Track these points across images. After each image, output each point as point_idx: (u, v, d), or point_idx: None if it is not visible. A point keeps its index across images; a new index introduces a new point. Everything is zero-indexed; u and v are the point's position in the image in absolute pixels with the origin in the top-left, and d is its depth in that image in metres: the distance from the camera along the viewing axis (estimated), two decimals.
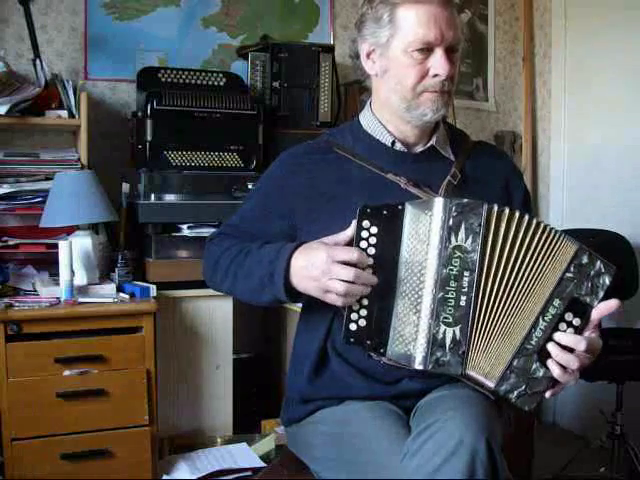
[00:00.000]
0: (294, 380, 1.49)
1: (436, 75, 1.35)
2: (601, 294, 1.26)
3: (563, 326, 1.25)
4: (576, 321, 1.25)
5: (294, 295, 1.33)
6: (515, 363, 1.25)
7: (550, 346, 1.25)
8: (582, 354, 1.24)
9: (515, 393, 1.25)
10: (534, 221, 1.27)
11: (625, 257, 2.77)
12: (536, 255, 1.26)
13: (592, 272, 1.26)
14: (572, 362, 1.23)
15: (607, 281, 1.26)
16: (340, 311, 1.32)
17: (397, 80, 1.39)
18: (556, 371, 1.24)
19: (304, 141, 1.56)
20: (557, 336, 1.25)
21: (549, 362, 1.24)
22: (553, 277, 1.26)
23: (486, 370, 1.26)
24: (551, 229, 1.27)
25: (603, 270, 1.26)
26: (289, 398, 1.52)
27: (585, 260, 1.26)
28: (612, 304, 1.26)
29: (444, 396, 1.31)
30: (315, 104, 2.62)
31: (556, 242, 1.27)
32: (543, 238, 1.27)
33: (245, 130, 2.43)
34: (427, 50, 1.35)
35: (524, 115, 3.35)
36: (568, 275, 1.25)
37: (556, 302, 1.25)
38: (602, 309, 1.26)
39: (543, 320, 1.25)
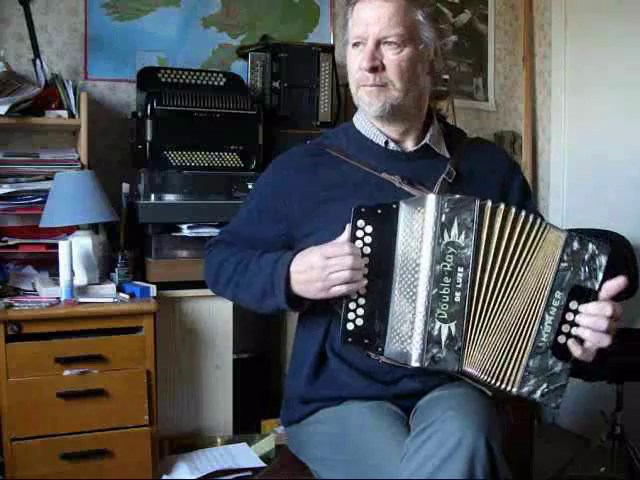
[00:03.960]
0: (294, 381, 1.49)
1: (361, 68, 1.38)
2: (600, 275, 1.26)
3: (570, 316, 1.26)
4: (582, 308, 1.25)
5: (296, 304, 1.35)
6: (531, 364, 1.25)
7: (571, 315, 1.25)
8: (608, 319, 1.24)
9: (538, 393, 1.26)
10: (530, 216, 1.27)
11: (625, 257, 2.76)
12: (528, 248, 1.27)
13: (586, 256, 1.26)
14: (600, 323, 1.23)
15: (603, 261, 1.26)
16: (337, 311, 1.33)
17: (350, 76, 1.43)
18: (586, 333, 1.24)
19: (304, 141, 1.56)
20: (582, 307, 1.25)
21: (575, 329, 1.24)
22: (548, 270, 1.26)
23: (484, 365, 1.26)
24: (541, 222, 1.28)
25: (597, 252, 1.26)
26: (289, 399, 1.52)
27: (576, 246, 1.26)
28: (619, 281, 1.25)
29: (443, 396, 1.31)
30: (315, 104, 2.62)
31: (545, 233, 1.27)
32: (534, 231, 1.27)
33: (245, 130, 2.43)
34: (363, 45, 1.38)
35: (524, 115, 3.35)
36: (563, 265, 1.26)
37: (558, 294, 1.25)
38: (611, 288, 1.25)
39: (549, 315, 1.26)
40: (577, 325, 1.25)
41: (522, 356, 1.26)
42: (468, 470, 1.14)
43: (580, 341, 1.25)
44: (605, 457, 2.59)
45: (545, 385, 1.26)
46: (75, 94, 2.33)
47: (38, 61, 2.36)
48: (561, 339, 1.25)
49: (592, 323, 1.24)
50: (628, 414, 2.56)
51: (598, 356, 1.27)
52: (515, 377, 1.26)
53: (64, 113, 2.32)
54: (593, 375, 2.46)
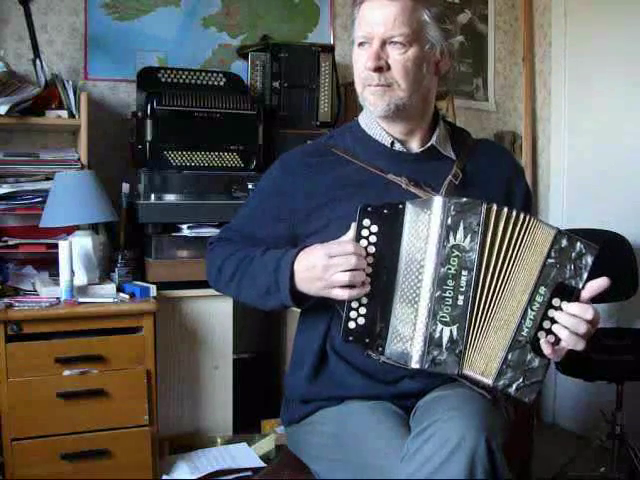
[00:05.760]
0: (294, 380, 1.49)
1: (367, 68, 1.38)
2: (585, 275, 1.26)
3: (552, 312, 1.25)
4: (564, 305, 1.25)
5: (300, 300, 1.34)
6: (510, 357, 1.25)
7: (553, 312, 1.24)
8: (587, 323, 1.23)
9: (514, 387, 1.25)
10: (532, 220, 1.27)
11: (625, 257, 2.76)
12: (524, 249, 1.26)
13: (573, 254, 1.25)
14: (579, 325, 1.23)
15: (589, 261, 1.26)
16: (339, 310, 1.32)
17: (355, 76, 1.43)
18: (564, 333, 1.23)
19: (304, 141, 1.56)
20: (564, 305, 1.24)
21: (555, 327, 1.24)
22: (537, 265, 1.26)
23: (482, 368, 1.26)
24: (533, 220, 1.27)
25: (584, 251, 1.26)
26: (289, 398, 1.52)
27: (565, 243, 1.26)
28: (602, 282, 1.25)
29: (444, 396, 1.31)
30: (315, 104, 2.62)
31: (536, 230, 1.26)
32: (528, 230, 1.26)
33: (245, 130, 2.43)
34: (368, 45, 1.37)
35: (524, 115, 3.34)
36: (550, 261, 1.25)
37: (542, 290, 1.25)
38: (592, 288, 1.25)
39: (532, 310, 1.25)
40: (556, 322, 1.25)
41: (502, 348, 1.26)
42: (469, 470, 1.14)
43: (555, 340, 1.25)
44: (605, 457, 2.59)
45: (521, 380, 1.25)
46: (75, 94, 2.33)
47: (38, 61, 2.36)
48: (541, 335, 1.25)
49: (571, 324, 1.24)
50: (628, 414, 2.56)
51: (565, 358, 1.27)
52: (492, 369, 1.26)
53: (64, 113, 2.32)
54: (593, 375, 2.46)
